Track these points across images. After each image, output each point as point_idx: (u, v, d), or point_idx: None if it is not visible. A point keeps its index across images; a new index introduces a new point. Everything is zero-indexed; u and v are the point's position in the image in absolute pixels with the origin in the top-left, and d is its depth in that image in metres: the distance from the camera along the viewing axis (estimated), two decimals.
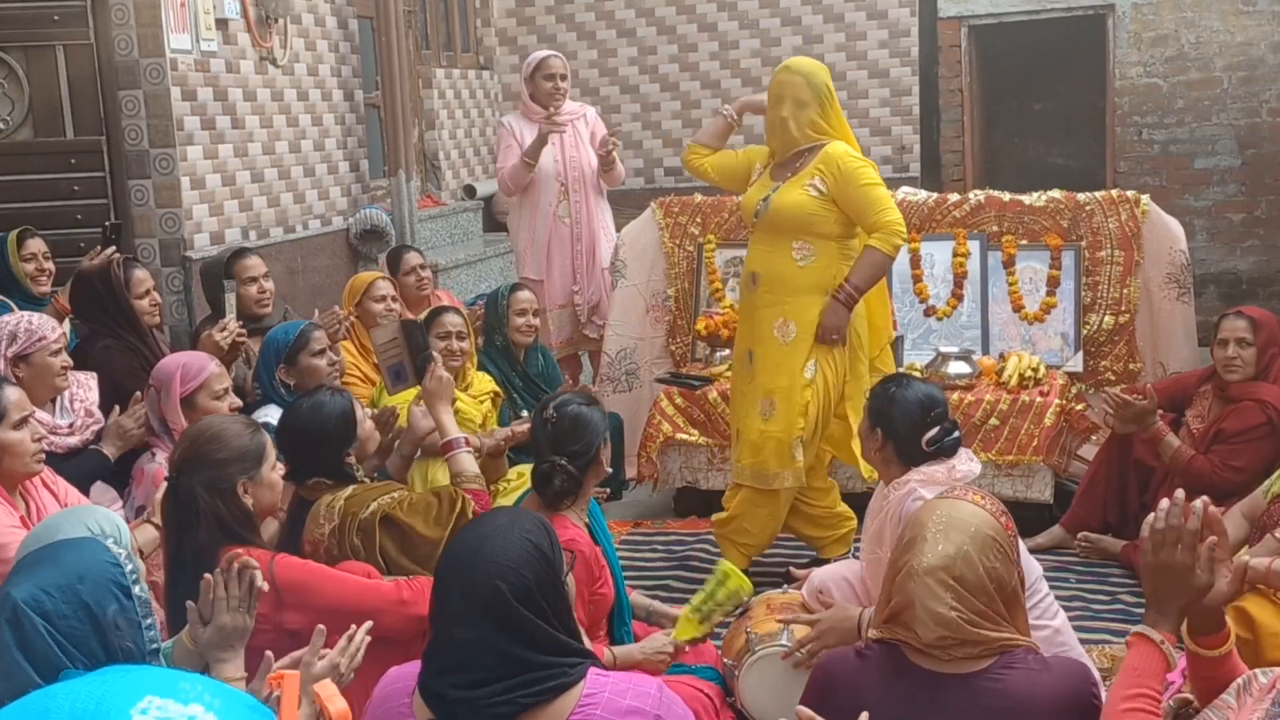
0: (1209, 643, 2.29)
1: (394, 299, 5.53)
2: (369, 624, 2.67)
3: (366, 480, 3.57)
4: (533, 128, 6.43)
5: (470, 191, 9.40)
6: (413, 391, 4.12)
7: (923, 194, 6.14)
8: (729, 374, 5.72)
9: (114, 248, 5.13)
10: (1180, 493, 2.29)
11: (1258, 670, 2.08)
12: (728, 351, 5.89)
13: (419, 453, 4.20)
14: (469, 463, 3.65)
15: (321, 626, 2.54)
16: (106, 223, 5.52)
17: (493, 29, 10.04)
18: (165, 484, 3.12)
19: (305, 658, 2.49)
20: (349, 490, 3.40)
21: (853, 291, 4.45)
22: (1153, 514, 2.27)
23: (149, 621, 2.14)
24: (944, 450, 3.60)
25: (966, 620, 2.36)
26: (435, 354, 3.97)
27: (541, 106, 6.44)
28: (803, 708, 2.21)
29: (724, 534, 4.73)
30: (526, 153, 6.35)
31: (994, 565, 2.42)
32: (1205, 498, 2.30)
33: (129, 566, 2.15)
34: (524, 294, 5.63)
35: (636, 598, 3.86)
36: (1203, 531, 2.24)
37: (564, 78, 6.46)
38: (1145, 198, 5.81)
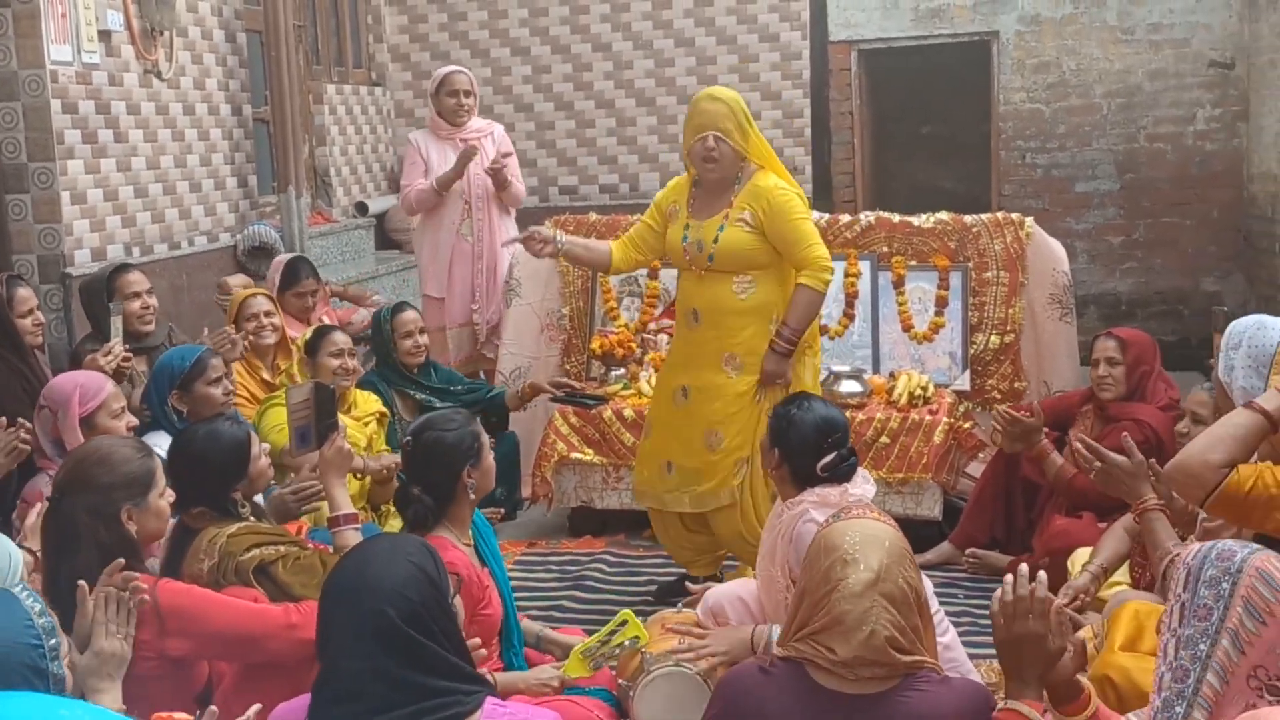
0: (1072, 709, 2.36)
1: (267, 314, 5.30)
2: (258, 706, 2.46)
3: (253, 519, 3.40)
4: (440, 145, 6.38)
5: (362, 208, 9.29)
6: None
7: (815, 215, 6.20)
8: (625, 393, 5.74)
9: None
10: (1024, 566, 2.37)
11: (1130, 714, 2.14)
12: (622, 370, 5.89)
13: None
14: (355, 540, 3.44)
15: (259, 705, 2.40)
16: None
17: (385, 45, 9.94)
18: (45, 505, 3.02)
19: None
20: (233, 528, 3.25)
21: (791, 336, 4.40)
22: (1000, 589, 2.36)
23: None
24: (838, 476, 3.61)
25: (891, 641, 2.37)
26: (341, 424, 3.80)
27: (447, 123, 6.40)
28: None
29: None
30: (440, 182, 6.27)
31: (911, 576, 2.45)
32: (1042, 574, 2.42)
33: (51, 641, 1.90)
34: (408, 315, 5.49)
35: (527, 624, 3.82)
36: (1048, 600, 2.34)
37: (468, 94, 6.42)
38: (1029, 220, 5.96)
